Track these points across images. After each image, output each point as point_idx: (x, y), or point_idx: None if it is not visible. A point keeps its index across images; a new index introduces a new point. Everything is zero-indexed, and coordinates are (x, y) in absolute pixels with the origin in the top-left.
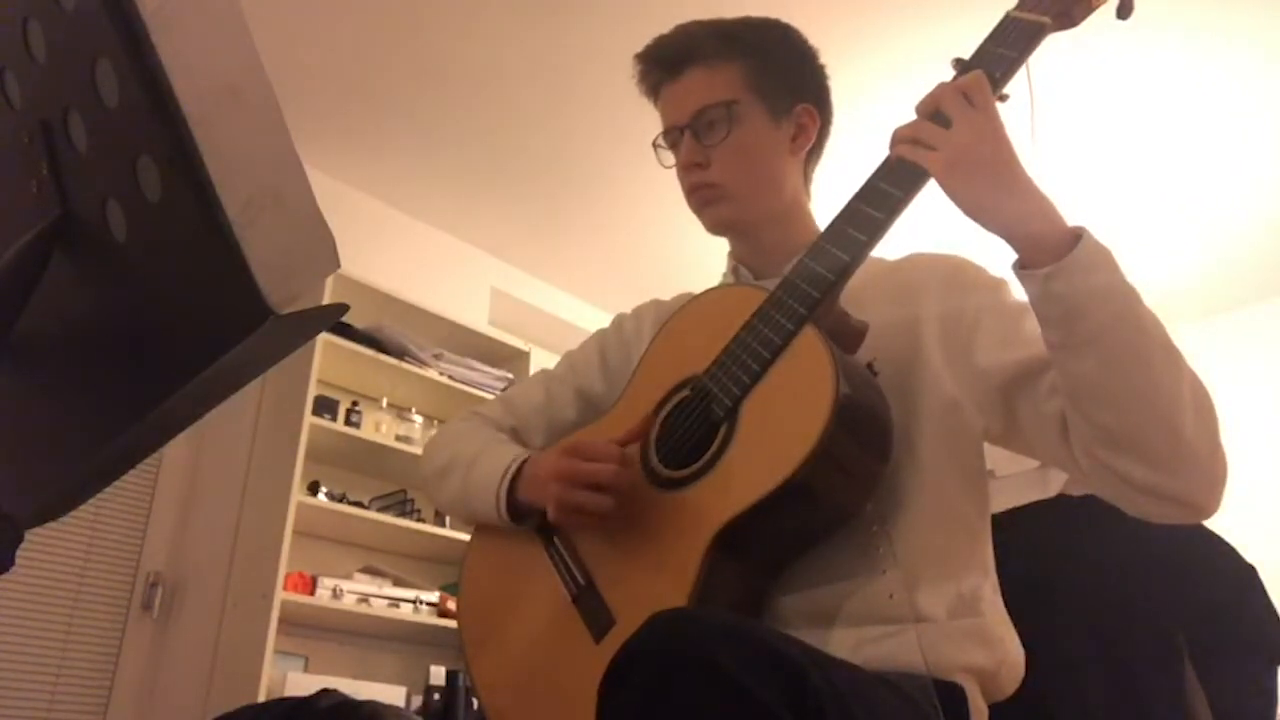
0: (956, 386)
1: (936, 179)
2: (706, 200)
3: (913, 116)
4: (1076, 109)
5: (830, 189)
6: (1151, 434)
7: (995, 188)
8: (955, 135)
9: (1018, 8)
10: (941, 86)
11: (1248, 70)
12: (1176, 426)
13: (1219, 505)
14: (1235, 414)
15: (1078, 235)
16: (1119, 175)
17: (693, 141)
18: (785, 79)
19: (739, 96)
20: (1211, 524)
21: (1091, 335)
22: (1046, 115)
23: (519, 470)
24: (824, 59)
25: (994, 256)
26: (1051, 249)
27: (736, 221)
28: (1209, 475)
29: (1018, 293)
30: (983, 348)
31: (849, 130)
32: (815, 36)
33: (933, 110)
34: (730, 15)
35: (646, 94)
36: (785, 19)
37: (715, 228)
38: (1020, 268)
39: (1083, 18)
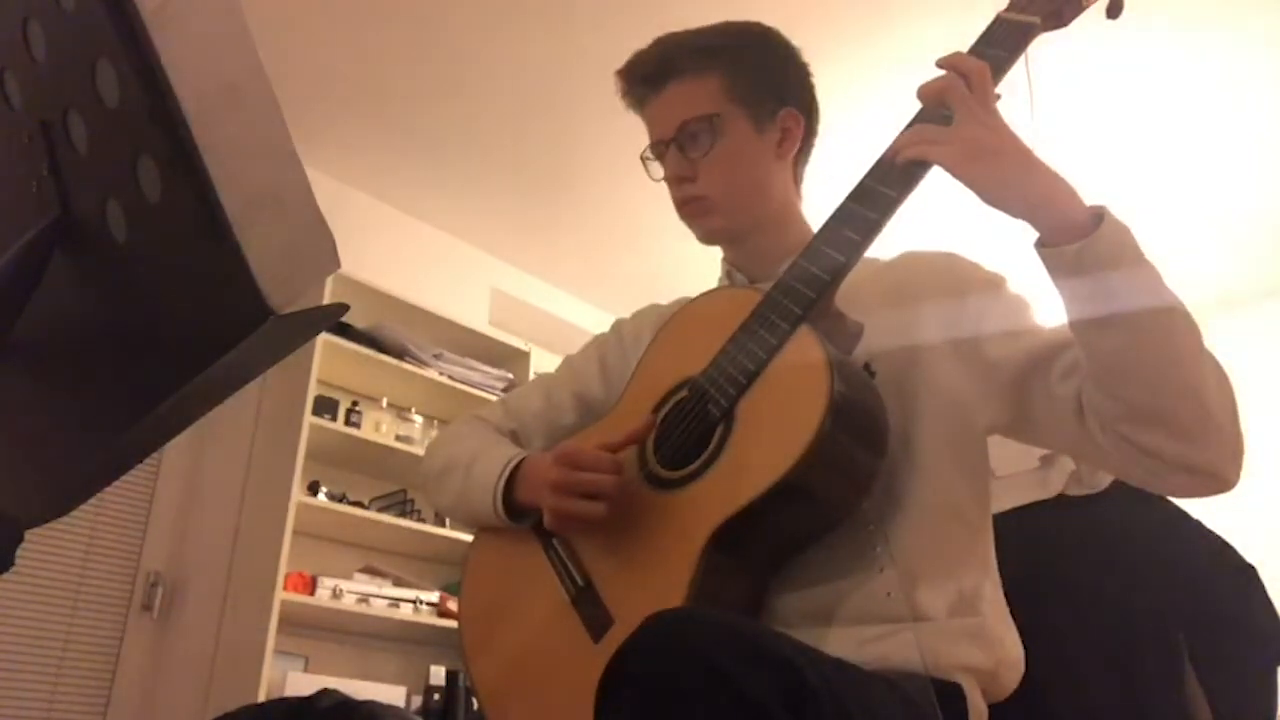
0: (965, 382)
1: (954, 171)
2: (696, 213)
3: (904, 113)
4: (1076, 105)
5: (821, 188)
6: (1179, 406)
7: (1015, 169)
8: (962, 129)
9: (1007, 9)
10: (945, 76)
11: (1253, 65)
12: (1202, 398)
13: (1240, 476)
14: None
15: (1098, 213)
16: (1117, 172)
17: (678, 155)
18: (766, 85)
19: (720, 108)
20: (1211, 524)
21: (1122, 310)
22: (1045, 112)
23: (516, 469)
24: (808, 58)
25: (987, 255)
26: (1077, 226)
27: (727, 231)
28: (1233, 445)
29: (1014, 287)
30: (991, 341)
31: (837, 128)
32: (799, 36)
33: (935, 96)
34: (719, 18)
35: (631, 107)
36: (768, 20)
37: (707, 239)
38: (1043, 246)
39: (1072, 18)
